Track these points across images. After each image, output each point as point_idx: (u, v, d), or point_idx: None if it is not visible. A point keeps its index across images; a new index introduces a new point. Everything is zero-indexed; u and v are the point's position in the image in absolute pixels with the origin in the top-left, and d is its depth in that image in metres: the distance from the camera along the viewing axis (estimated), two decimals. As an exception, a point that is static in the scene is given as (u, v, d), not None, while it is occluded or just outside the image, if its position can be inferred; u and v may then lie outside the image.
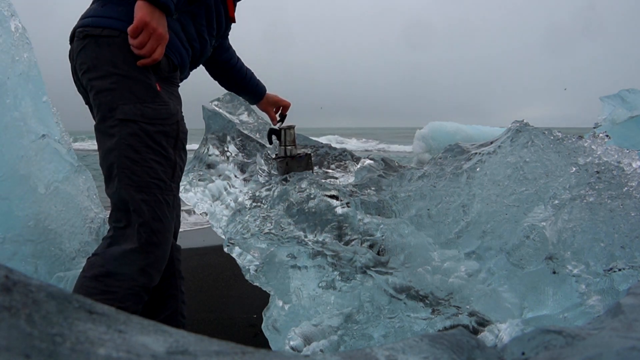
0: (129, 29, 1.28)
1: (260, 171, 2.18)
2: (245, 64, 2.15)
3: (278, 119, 2.21)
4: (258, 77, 2.18)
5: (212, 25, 1.63)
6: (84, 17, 1.44)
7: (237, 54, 2.14)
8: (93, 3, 1.48)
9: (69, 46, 1.49)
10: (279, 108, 2.19)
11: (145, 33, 1.29)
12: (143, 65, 1.36)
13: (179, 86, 1.59)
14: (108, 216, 1.45)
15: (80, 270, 1.42)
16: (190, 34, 1.54)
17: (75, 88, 1.56)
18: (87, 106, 1.58)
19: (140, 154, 1.35)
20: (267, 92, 2.20)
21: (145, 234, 1.34)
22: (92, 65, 1.38)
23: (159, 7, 1.28)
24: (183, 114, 1.56)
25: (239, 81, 2.11)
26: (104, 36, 1.37)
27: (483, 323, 1.53)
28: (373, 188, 1.89)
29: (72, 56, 1.46)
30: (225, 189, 2.20)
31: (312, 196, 1.86)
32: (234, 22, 1.74)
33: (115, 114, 1.34)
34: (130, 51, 1.34)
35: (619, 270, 1.44)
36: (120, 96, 1.35)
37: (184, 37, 1.52)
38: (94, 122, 1.46)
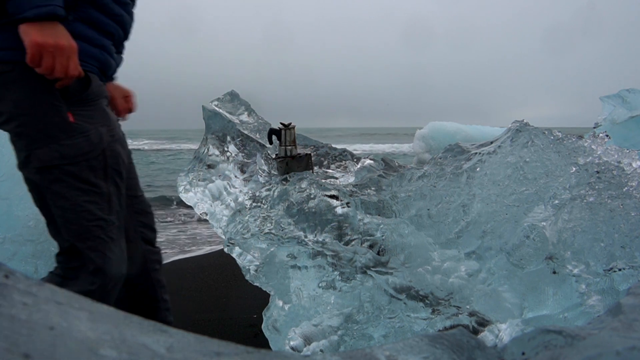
0: (28, 60, 1.12)
1: (260, 171, 2.18)
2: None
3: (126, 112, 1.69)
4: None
5: None
6: None
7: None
8: None
9: None
10: (125, 97, 1.66)
11: (47, 56, 1.11)
12: (59, 87, 1.19)
13: (105, 97, 1.38)
14: (56, 254, 1.36)
15: None
16: (99, 23, 1.32)
17: None
18: None
19: (70, 200, 1.24)
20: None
21: (99, 279, 1.27)
22: None
23: (46, 19, 1.11)
24: (120, 128, 1.40)
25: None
26: None
27: (483, 323, 1.53)
28: (373, 188, 1.89)
29: None
30: (225, 189, 2.20)
31: (312, 196, 1.86)
32: None
33: (32, 162, 1.21)
34: (31, 83, 1.18)
35: (619, 270, 1.44)
36: (31, 140, 1.20)
37: (93, 33, 1.31)
38: None
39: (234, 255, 1.93)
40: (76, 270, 1.29)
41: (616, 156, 1.65)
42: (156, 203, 7.03)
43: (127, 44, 1.53)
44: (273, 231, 1.83)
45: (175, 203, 6.83)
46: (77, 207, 1.24)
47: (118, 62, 1.48)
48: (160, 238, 4.86)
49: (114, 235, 1.32)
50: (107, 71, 1.42)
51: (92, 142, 1.26)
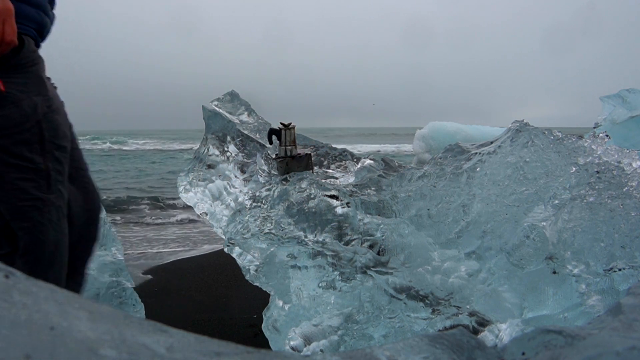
0: None
1: (260, 171, 2.18)
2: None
3: None
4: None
5: None
6: None
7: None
8: None
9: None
10: None
11: None
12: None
13: (38, 63, 1.26)
14: None
15: None
16: None
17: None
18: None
19: (1, 177, 1.13)
20: None
21: (29, 264, 1.18)
22: None
23: None
24: (61, 99, 1.29)
25: None
26: None
27: (483, 323, 1.53)
28: (373, 188, 1.89)
29: None
30: (226, 189, 2.20)
31: (312, 196, 1.86)
32: None
33: None
34: None
35: (619, 270, 1.44)
36: None
37: None
38: None
39: (234, 255, 1.93)
40: (10, 257, 1.19)
41: (616, 156, 1.65)
42: (156, 203, 7.04)
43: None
44: (273, 231, 1.83)
45: (174, 203, 6.83)
46: (8, 186, 1.13)
47: (52, 20, 1.35)
48: (161, 238, 4.85)
49: (53, 217, 1.20)
50: (43, 32, 1.30)
51: (25, 113, 1.15)
